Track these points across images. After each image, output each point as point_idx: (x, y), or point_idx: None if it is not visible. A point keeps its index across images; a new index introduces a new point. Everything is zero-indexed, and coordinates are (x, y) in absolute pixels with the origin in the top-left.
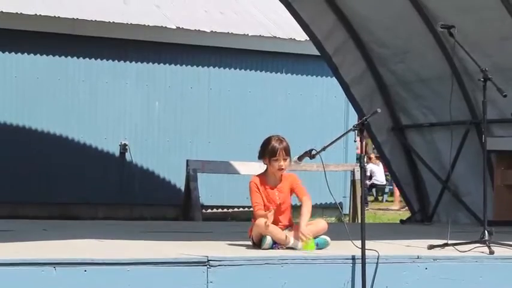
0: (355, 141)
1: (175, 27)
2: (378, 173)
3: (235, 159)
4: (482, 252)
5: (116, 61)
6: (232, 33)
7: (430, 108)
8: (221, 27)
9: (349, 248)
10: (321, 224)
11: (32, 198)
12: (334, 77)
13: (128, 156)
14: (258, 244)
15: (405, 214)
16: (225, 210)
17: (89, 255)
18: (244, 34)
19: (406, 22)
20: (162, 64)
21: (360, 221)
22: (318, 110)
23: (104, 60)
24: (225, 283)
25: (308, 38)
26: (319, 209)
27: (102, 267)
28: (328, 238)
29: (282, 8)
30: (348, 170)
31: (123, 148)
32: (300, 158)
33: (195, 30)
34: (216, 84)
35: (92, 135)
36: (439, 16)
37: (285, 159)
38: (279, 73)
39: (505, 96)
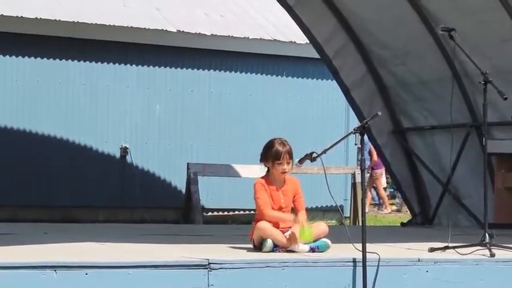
0: (355, 144)
1: (175, 30)
2: None
3: (235, 162)
4: (483, 255)
5: (117, 64)
6: (232, 36)
7: (431, 110)
8: (221, 30)
9: (350, 250)
10: (322, 226)
11: (33, 201)
12: (334, 80)
13: (128, 159)
14: (258, 247)
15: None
16: (226, 213)
17: (90, 258)
18: (245, 37)
19: (407, 24)
20: (162, 67)
21: (360, 224)
22: (319, 113)
23: (105, 63)
24: (226, 286)
25: (308, 41)
26: (319, 212)
27: (103, 270)
28: (328, 241)
29: (282, 11)
30: (348, 173)
31: (124, 151)
32: (301, 161)
33: (196, 33)
34: (217, 87)
35: (93, 138)
36: (439, 18)
37: (288, 163)
38: (279, 76)
39: (505, 99)
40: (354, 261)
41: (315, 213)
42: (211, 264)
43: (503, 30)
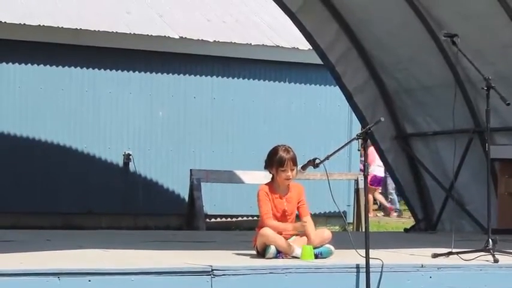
0: (358, 150)
1: (178, 37)
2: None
3: (238, 168)
4: (487, 260)
5: (119, 71)
6: (235, 42)
7: (434, 116)
8: (224, 37)
9: (353, 256)
10: (325, 233)
11: (35, 208)
12: (337, 86)
13: (131, 166)
14: (262, 253)
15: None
16: (229, 219)
17: (93, 265)
18: (247, 43)
19: (409, 30)
20: (165, 74)
21: (364, 230)
22: (321, 119)
23: (107, 70)
24: None
25: (311, 47)
26: (323, 218)
27: (106, 276)
28: (332, 247)
29: (284, 17)
30: (351, 179)
31: (127, 158)
32: (304, 167)
33: (198, 39)
34: (219, 93)
35: (96, 145)
36: (442, 24)
37: (292, 170)
38: (282, 82)
39: (508, 104)
40: (357, 267)
41: (318, 219)
42: (214, 271)
43: (506, 36)
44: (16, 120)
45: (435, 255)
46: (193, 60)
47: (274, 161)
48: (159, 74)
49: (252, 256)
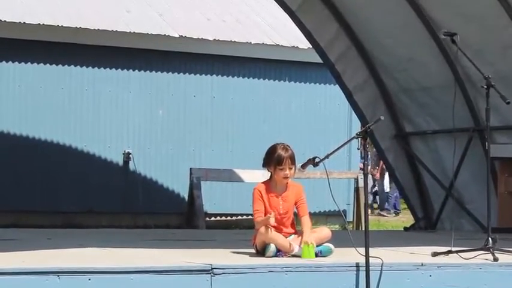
0: (358, 149)
1: (178, 36)
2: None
3: (238, 167)
4: (487, 259)
5: (119, 70)
6: (235, 41)
7: (433, 115)
8: (224, 36)
9: (353, 255)
10: (325, 231)
11: (36, 206)
12: (337, 85)
13: (131, 165)
14: (261, 252)
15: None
16: (229, 218)
17: (93, 264)
18: (247, 42)
19: (410, 30)
20: (165, 72)
21: (363, 229)
22: (321, 117)
23: (107, 68)
24: None
25: (311, 46)
26: (322, 217)
27: (106, 275)
28: (332, 246)
29: (284, 15)
30: (351, 178)
31: (127, 156)
32: (304, 166)
33: (198, 38)
34: (219, 92)
35: (95, 144)
36: (442, 24)
37: (290, 168)
38: (282, 81)
39: (508, 103)
40: (357, 265)
41: (318, 217)
42: (214, 269)
43: (506, 36)
44: (16, 119)
45: (435, 254)
46: (193, 59)
47: (273, 159)
48: (159, 72)
49: (251, 254)
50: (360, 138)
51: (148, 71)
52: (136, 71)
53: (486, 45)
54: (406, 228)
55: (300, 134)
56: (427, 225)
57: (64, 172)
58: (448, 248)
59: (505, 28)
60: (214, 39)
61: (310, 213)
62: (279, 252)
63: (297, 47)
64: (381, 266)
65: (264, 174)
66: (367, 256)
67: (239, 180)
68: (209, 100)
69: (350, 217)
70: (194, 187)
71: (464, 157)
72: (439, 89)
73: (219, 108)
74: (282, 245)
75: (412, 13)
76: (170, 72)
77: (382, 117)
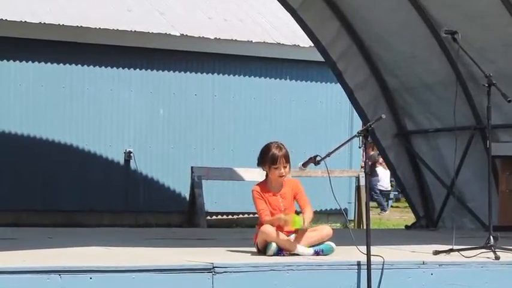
0: (359, 147)
1: (179, 34)
2: (383, 178)
3: (239, 165)
4: (488, 257)
5: (120, 68)
6: (236, 39)
7: (435, 113)
8: (225, 34)
9: (355, 253)
10: (326, 230)
11: (37, 205)
12: (338, 83)
13: (132, 164)
14: (263, 251)
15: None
16: (230, 216)
17: (95, 263)
18: (248, 41)
19: (411, 28)
20: (166, 71)
21: (365, 227)
22: (322, 116)
23: (108, 67)
24: None
25: (312, 44)
26: (324, 215)
27: (107, 274)
28: (333, 244)
29: (285, 14)
30: (352, 176)
31: (128, 155)
32: (305, 165)
33: (199, 37)
34: (220, 91)
35: (97, 143)
36: (443, 23)
37: (285, 167)
38: (283, 79)
39: (509, 101)
40: (359, 264)
41: (319, 216)
42: (215, 268)
43: (507, 34)
44: (17, 118)
45: (436, 252)
46: (194, 58)
47: (267, 158)
48: (160, 71)
49: (253, 253)
50: (361, 137)
51: (149, 70)
52: (138, 69)
53: (487, 43)
54: (407, 227)
55: (301, 132)
56: (428, 224)
57: (65, 171)
58: (450, 247)
59: (506, 26)
60: (216, 38)
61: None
62: (280, 251)
63: (298, 45)
64: (382, 265)
65: (264, 173)
66: (368, 254)
67: (240, 178)
68: (210, 99)
69: (351, 215)
70: (195, 186)
71: (465, 155)
72: (441, 87)
73: (220, 107)
74: (284, 244)
75: (413, 11)
76: (171, 71)
77: (383, 116)
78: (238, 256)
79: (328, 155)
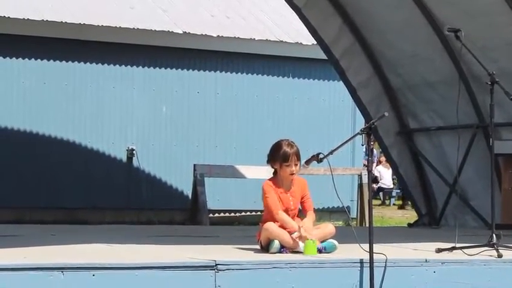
0: (362, 145)
1: (181, 32)
2: (385, 176)
3: (242, 163)
4: (491, 255)
5: (123, 66)
6: (238, 37)
7: (437, 111)
8: (228, 32)
9: (357, 251)
10: (329, 227)
11: (40, 203)
12: (341, 81)
13: (135, 161)
14: (265, 248)
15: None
16: (232, 214)
17: (97, 260)
18: (251, 38)
19: (413, 26)
20: (168, 69)
21: (367, 225)
22: (325, 114)
23: (111, 65)
24: (233, 287)
25: (315, 42)
26: (326, 213)
27: (110, 271)
28: (335, 242)
29: (288, 12)
30: (355, 174)
31: (130, 153)
32: (308, 162)
33: (202, 34)
34: (223, 88)
35: (99, 140)
36: (446, 21)
37: (296, 164)
38: (285, 77)
39: None
40: (361, 262)
41: (321, 214)
42: (218, 266)
43: (510, 33)
44: (20, 115)
45: (439, 250)
46: (196, 56)
47: (279, 156)
48: (163, 69)
49: (255, 251)
50: (363, 135)
51: (152, 68)
52: (140, 67)
53: (490, 42)
54: (409, 225)
55: (303, 130)
56: (430, 222)
57: (68, 168)
58: (452, 244)
59: (508, 24)
60: (218, 36)
61: (314, 209)
62: (283, 249)
63: (301, 43)
64: (385, 262)
65: (268, 171)
66: (371, 252)
67: (243, 176)
68: (213, 96)
69: (354, 213)
70: (198, 183)
71: (468, 153)
72: (443, 85)
73: (222, 105)
74: (287, 242)
75: (416, 9)
76: (174, 69)
77: (386, 114)
78: (240, 253)
79: (331, 152)
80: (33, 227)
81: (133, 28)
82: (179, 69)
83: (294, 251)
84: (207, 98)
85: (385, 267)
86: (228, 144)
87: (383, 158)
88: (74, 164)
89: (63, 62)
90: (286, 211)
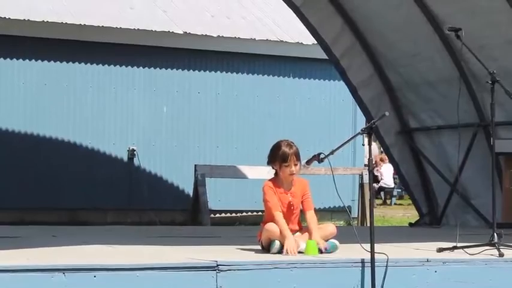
0: (363, 145)
1: (182, 32)
2: (386, 175)
3: (243, 163)
4: (492, 254)
5: (124, 67)
6: (239, 37)
7: (438, 111)
8: (228, 32)
9: (358, 251)
10: (330, 227)
11: (41, 204)
12: (341, 81)
13: (136, 162)
14: (267, 248)
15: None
16: (234, 214)
17: (99, 261)
18: (251, 38)
19: (414, 25)
20: (169, 69)
21: (368, 224)
22: (326, 113)
23: (112, 65)
24: (234, 287)
25: (315, 42)
26: (327, 213)
27: (111, 272)
28: (337, 242)
29: (288, 12)
30: (356, 174)
31: (131, 153)
32: (309, 162)
33: (202, 35)
34: (224, 88)
35: (100, 141)
36: (446, 20)
37: (295, 164)
38: (286, 77)
39: None
40: (363, 261)
41: (322, 214)
42: (219, 266)
43: (510, 31)
44: (20, 116)
45: (440, 250)
46: (197, 56)
47: (278, 156)
48: (163, 69)
49: (257, 251)
50: (364, 134)
51: (152, 68)
52: (141, 67)
53: (490, 40)
54: (411, 224)
55: (304, 130)
56: (432, 221)
57: (69, 169)
58: (453, 244)
59: (509, 23)
60: (219, 36)
61: (315, 209)
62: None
63: (302, 43)
64: (386, 262)
65: (269, 171)
66: (372, 252)
67: (244, 176)
68: (214, 97)
69: (355, 213)
70: (199, 184)
71: (469, 152)
72: (444, 84)
73: (223, 105)
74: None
75: (416, 8)
76: (174, 69)
77: (387, 113)
78: (242, 254)
79: (332, 152)
80: (35, 228)
81: (134, 28)
82: (180, 70)
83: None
84: (208, 98)
85: (386, 267)
86: (229, 144)
87: (384, 156)
88: (74, 165)
89: (64, 62)
90: (289, 210)
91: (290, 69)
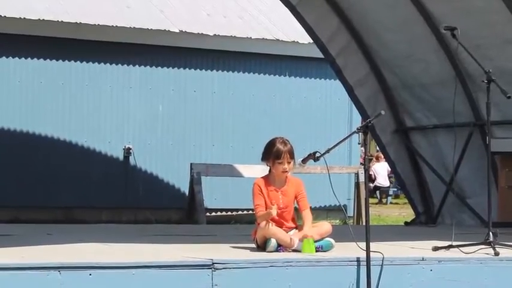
0: (359, 144)
1: (178, 31)
2: (380, 174)
3: (239, 162)
4: (487, 253)
5: (120, 65)
6: (235, 36)
7: (434, 110)
8: (224, 31)
9: (354, 250)
10: (325, 226)
11: (36, 202)
12: (337, 80)
13: (131, 160)
14: (262, 247)
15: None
16: (229, 213)
17: (94, 259)
18: (247, 37)
19: (410, 24)
20: (165, 68)
21: (364, 223)
22: (322, 112)
23: (108, 64)
24: (230, 286)
25: (311, 41)
26: (323, 211)
27: (107, 270)
28: (332, 240)
29: (284, 11)
30: (352, 173)
31: (127, 152)
32: (304, 161)
33: (198, 33)
34: (220, 87)
35: (96, 139)
36: (442, 19)
37: (289, 162)
38: (282, 76)
39: (508, 97)
40: (358, 260)
41: (318, 212)
42: (215, 264)
43: (506, 31)
44: (16, 115)
45: (436, 248)
46: (193, 54)
47: (271, 153)
48: (159, 68)
49: (252, 249)
50: (360, 133)
51: (148, 66)
52: (137, 66)
53: (486, 40)
54: (406, 223)
55: (300, 129)
56: (427, 220)
57: (64, 167)
58: (449, 243)
59: (505, 23)
60: (215, 35)
61: (310, 207)
62: (280, 247)
63: (298, 42)
64: (382, 261)
65: (264, 170)
66: (367, 251)
67: (239, 175)
68: (209, 95)
69: (350, 212)
70: (194, 182)
71: (464, 152)
72: (439, 83)
73: (219, 104)
74: (283, 240)
75: (412, 7)
76: (170, 68)
77: (383, 112)
78: (237, 252)
79: (328, 151)
80: (30, 226)
81: (130, 27)
82: (176, 68)
83: (291, 249)
84: (204, 96)
85: (382, 265)
86: (225, 143)
87: (379, 154)
88: (70, 163)
89: (60, 61)
90: (279, 210)
91: (286, 68)
